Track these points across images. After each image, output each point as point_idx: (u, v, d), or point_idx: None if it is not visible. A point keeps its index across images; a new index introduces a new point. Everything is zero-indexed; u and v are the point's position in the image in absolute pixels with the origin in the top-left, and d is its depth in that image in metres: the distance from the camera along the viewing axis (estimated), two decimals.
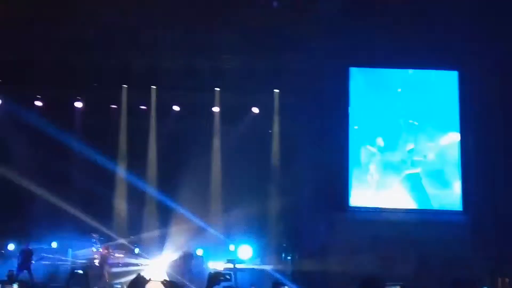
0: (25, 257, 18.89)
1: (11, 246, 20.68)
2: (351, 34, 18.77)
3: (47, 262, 20.22)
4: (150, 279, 5.81)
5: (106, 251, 20.71)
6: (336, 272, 18.12)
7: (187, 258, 19.98)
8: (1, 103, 21.40)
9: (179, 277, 18.84)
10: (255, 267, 20.35)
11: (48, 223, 20.21)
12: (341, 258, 18.51)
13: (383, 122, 20.00)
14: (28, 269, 18.72)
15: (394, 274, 16.72)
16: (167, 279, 6.14)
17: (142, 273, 6.08)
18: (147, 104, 21.90)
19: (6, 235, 20.68)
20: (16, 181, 20.70)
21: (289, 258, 20.08)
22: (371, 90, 20.16)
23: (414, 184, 19.69)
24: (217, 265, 20.23)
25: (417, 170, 19.73)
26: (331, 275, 18.45)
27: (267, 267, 20.26)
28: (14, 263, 19.01)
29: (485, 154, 19.16)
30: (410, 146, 19.86)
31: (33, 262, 18.96)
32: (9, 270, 18.01)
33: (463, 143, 19.69)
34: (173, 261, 20.36)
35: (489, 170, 18.99)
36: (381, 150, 19.86)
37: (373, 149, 19.92)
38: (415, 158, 19.80)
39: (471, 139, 19.54)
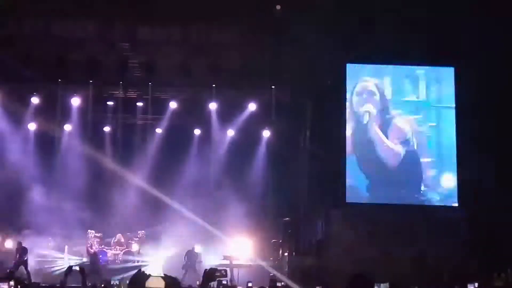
0: (21, 254, 18.91)
1: (8, 243, 20.71)
2: (348, 31, 18.78)
3: (44, 259, 20.28)
4: (150, 275, 5.81)
5: (94, 247, 20.78)
6: (332, 268, 18.14)
7: (191, 255, 20.06)
8: None
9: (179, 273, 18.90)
10: (252, 263, 20.37)
11: (45, 220, 20.21)
12: (337, 254, 18.53)
13: (378, 114, 19.99)
14: (25, 265, 18.71)
15: (390, 270, 16.79)
16: (167, 274, 6.15)
17: (143, 269, 6.08)
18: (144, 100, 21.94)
19: (4, 232, 20.68)
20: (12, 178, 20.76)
21: (285, 254, 20.09)
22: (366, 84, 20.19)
23: (410, 177, 19.70)
24: (213, 261, 20.26)
25: (413, 162, 19.73)
26: (327, 271, 18.47)
27: (264, 263, 20.28)
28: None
29: (481, 150, 19.17)
30: (406, 138, 19.85)
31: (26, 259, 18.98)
32: (8, 268, 18.10)
33: (459, 137, 19.70)
34: (172, 257, 20.46)
35: (485, 165, 19.01)
36: (378, 142, 19.82)
37: (370, 142, 19.87)
38: (411, 150, 19.80)
39: (467, 133, 19.55)
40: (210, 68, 20.43)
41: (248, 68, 20.33)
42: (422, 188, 19.70)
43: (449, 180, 19.64)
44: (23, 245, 19.20)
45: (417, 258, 18.00)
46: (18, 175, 20.90)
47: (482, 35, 18.33)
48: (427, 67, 20.27)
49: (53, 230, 20.57)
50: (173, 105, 21.94)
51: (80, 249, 21.26)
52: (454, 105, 19.90)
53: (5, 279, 13.64)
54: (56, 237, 20.97)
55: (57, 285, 10.65)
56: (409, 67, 20.29)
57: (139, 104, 22.13)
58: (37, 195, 20.50)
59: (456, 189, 19.53)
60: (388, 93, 20.07)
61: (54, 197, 20.60)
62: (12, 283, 12.49)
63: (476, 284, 12.61)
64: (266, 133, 22.18)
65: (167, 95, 22.08)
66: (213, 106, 21.70)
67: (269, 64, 20.39)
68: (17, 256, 18.88)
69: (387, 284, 6.90)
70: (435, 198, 19.66)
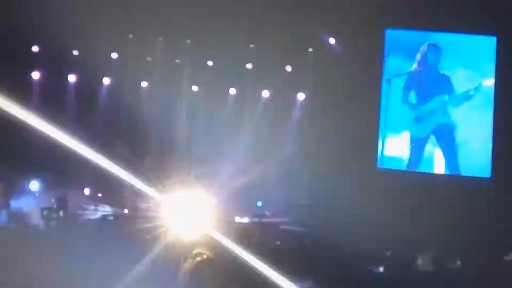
0: (60, 204, 19.33)
1: (34, 185, 20.55)
2: None
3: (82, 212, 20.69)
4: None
5: (137, 200, 21.09)
6: (365, 235, 18.17)
7: None
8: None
9: None
10: (281, 221, 20.49)
11: (82, 170, 20.53)
12: (370, 221, 18.53)
13: (416, 81, 19.82)
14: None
15: (422, 240, 16.79)
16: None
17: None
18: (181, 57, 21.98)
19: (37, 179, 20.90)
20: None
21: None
22: (406, 51, 19.96)
23: (444, 146, 19.58)
24: (243, 219, 20.45)
25: (447, 131, 19.59)
26: (359, 238, 18.51)
27: (293, 224, 20.40)
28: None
29: None
30: (441, 106, 19.68)
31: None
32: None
33: (497, 109, 19.43)
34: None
35: None
36: (413, 108, 19.70)
37: (405, 107, 19.75)
38: (447, 119, 19.64)
39: (506, 105, 19.27)
40: (248, 29, 20.32)
41: (285, 29, 20.19)
42: (456, 158, 19.58)
43: (484, 151, 19.46)
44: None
45: (455, 229, 17.89)
46: (58, 128, 21.18)
47: None
48: (467, 36, 19.91)
49: (88, 181, 20.94)
50: (209, 63, 21.94)
51: (114, 200, 21.56)
52: (494, 76, 19.60)
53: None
54: (91, 188, 21.37)
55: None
56: (449, 34, 19.97)
57: (176, 61, 22.17)
58: (75, 148, 20.76)
59: (490, 159, 19.33)
60: (427, 61, 19.83)
61: (91, 149, 20.86)
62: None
63: None
64: (301, 96, 22.12)
65: (204, 54, 22.06)
66: (249, 66, 21.64)
67: (307, 26, 20.20)
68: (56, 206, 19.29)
69: (430, 255, 6.80)
70: (469, 169, 19.50)
